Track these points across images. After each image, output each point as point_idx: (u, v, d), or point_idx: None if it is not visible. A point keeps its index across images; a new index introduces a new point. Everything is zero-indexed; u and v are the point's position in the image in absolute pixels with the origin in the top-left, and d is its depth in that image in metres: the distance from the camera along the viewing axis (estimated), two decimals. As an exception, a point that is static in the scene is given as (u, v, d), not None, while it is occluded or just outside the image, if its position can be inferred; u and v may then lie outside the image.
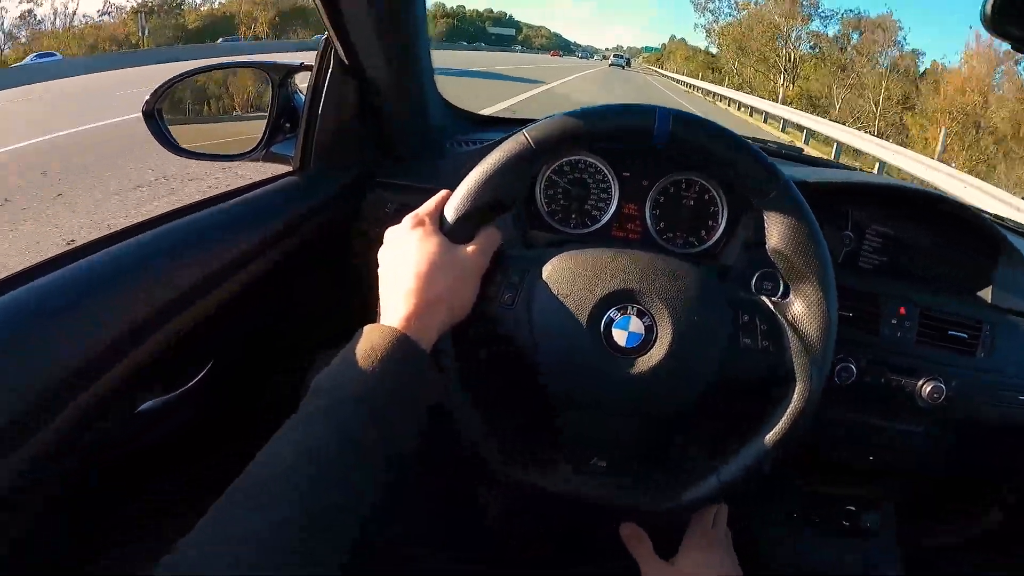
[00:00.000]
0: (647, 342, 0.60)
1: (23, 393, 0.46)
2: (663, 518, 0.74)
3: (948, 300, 0.91)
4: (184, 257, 0.65)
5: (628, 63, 38.29)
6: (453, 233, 0.60)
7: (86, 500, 0.67)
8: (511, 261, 0.64)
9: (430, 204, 0.63)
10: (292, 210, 0.79)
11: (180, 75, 0.92)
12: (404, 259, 0.57)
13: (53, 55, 24.35)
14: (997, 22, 0.66)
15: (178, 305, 0.62)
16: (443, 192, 0.63)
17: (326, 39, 0.81)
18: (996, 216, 1.23)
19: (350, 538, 0.45)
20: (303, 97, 0.90)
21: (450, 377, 0.61)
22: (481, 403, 0.63)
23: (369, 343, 0.51)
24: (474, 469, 0.64)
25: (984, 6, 0.66)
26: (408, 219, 0.61)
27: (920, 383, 0.88)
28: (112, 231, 0.64)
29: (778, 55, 33.08)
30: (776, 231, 0.63)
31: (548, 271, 0.62)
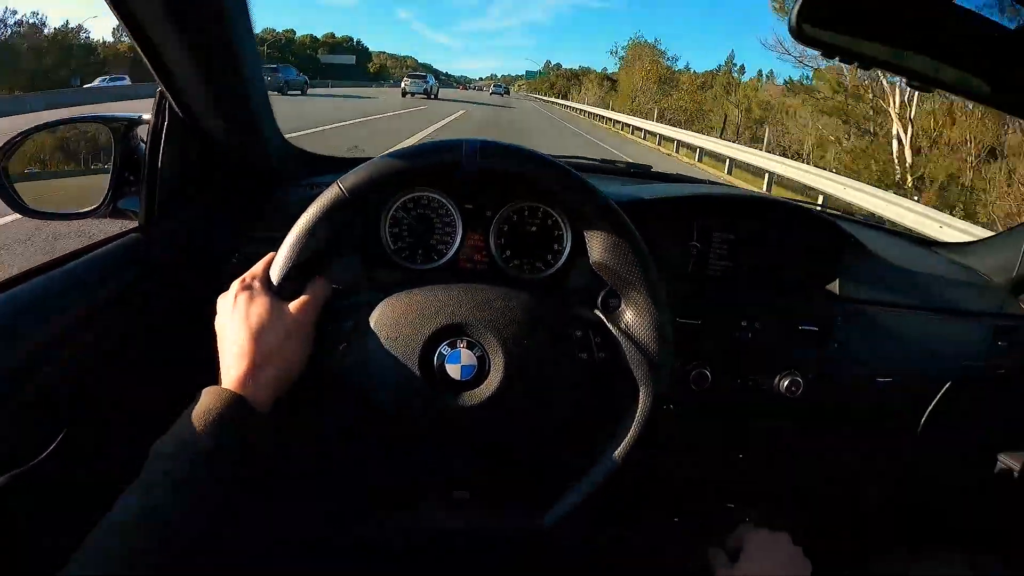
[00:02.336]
0: (481, 373, 0.61)
1: None
2: (533, 539, 0.76)
3: (797, 297, 0.95)
4: (24, 325, 0.64)
5: (507, 91, 37.09)
6: (281, 290, 0.61)
7: None
8: (343, 311, 0.64)
9: (258, 266, 0.64)
10: (136, 267, 0.77)
11: (22, 132, 0.90)
12: (233, 322, 0.59)
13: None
14: (804, 32, 0.70)
15: (20, 373, 0.61)
16: (270, 255, 0.64)
17: (160, 91, 0.80)
18: (845, 211, 1.28)
19: None
20: (146, 149, 0.90)
21: (294, 430, 0.61)
22: (333, 452, 0.64)
23: (204, 405, 0.53)
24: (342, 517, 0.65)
25: (790, 18, 0.70)
26: (235, 284, 0.62)
27: (777, 379, 0.92)
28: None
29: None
30: (597, 245, 0.65)
31: (376, 316, 0.62)
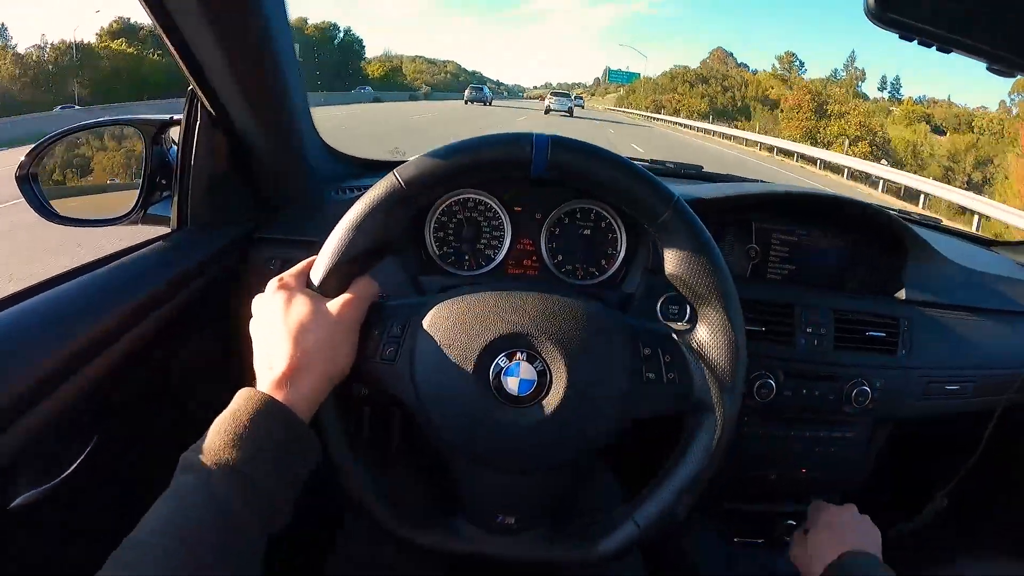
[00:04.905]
0: (541, 388, 0.56)
1: None
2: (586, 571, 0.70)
3: (861, 302, 0.89)
4: (52, 332, 0.60)
5: (571, 111, 29.78)
6: (324, 288, 0.56)
7: None
8: (392, 312, 0.59)
9: (297, 267, 0.59)
10: (168, 273, 0.74)
11: (52, 136, 0.88)
12: (271, 323, 0.54)
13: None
14: (884, 13, 0.65)
15: (49, 383, 0.58)
16: (310, 259, 0.59)
17: (191, 90, 0.77)
18: (901, 211, 1.23)
19: None
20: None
21: (333, 439, 0.57)
22: (371, 463, 0.59)
23: (234, 409, 0.48)
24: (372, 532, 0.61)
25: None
26: (272, 283, 0.57)
27: (844, 388, 0.86)
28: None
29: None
30: (672, 255, 0.58)
31: (430, 320, 0.57)
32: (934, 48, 0.73)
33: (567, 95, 34.00)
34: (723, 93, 50.99)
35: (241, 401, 0.49)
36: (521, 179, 0.72)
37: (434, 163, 0.57)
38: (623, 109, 54.75)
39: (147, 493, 0.45)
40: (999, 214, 9.18)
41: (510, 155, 0.58)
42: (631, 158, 1.01)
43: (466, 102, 35.63)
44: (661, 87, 56.96)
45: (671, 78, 57.04)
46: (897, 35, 0.72)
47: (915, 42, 0.72)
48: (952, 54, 0.74)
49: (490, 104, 36.47)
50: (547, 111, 29.14)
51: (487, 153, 0.59)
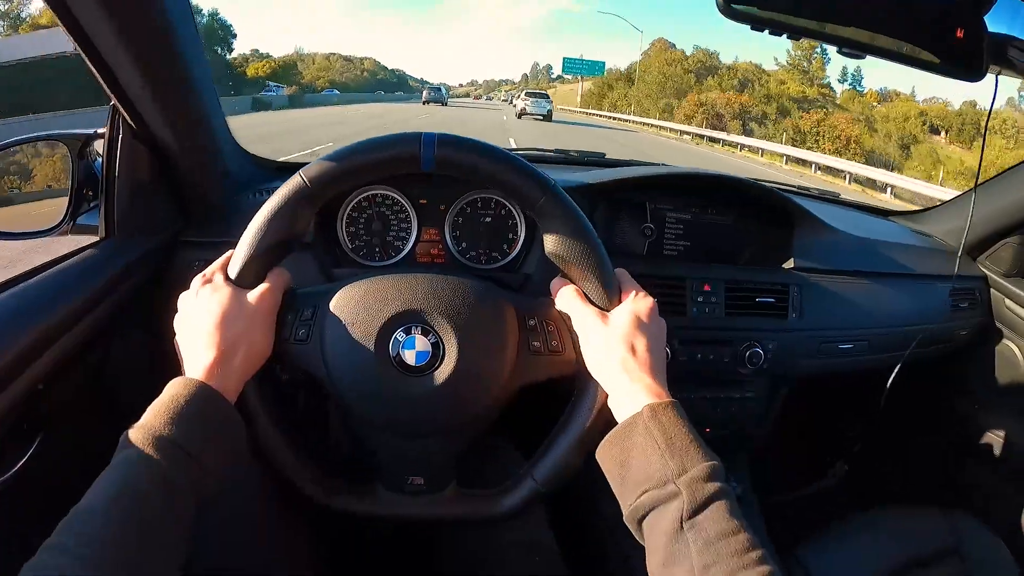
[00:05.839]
0: (435, 358, 0.62)
1: None
2: (489, 525, 0.76)
3: (752, 272, 0.97)
4: None
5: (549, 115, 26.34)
6: (241, 280, 0.62)
7: None
8: (303, 297, 0.65)
9: (217, 262, 0.64)
10: (98, 279, 0.78)
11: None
12: (196, 315, 0.60)
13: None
14: (732, 8, 0.72)
15: None
16: (229, 252, 0.65)
17: (112, 105, 0.82)
18: (800, 187, 1.31)
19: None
20: (104, 164, 0.91)
21: (258, 418, 0.62)
22: (293, 439, 0.65)
23: (172, 393, 0.54)
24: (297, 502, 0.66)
25: None
26: (196, 280, 0.63)
27: (739, 351, 0.94)
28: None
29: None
30: (550, 237, 0.64)
31: (335, 302, 0.63)
32: (785, 36, 0.82)
33: (544, 95, 30.35)
34: (741, 89, 40.47)
35: (178, 387, 0.55)
36: (423, 174, 0.79)
37: (334, 163, 0.63)
38: (603, 112, 42.64)
39: (88, 482, 0.50)
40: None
41: (401, 153, 0.63)
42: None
43: (424, 103, 39.42)
44: (673, 80, 42.97)
45: (668, 64, 45.49)
46: (748, 27, 0.81)
47: (766, 31, 0.80)
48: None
49: (446, 104, 39.64)
50: (520, 115, 27.08)
51: (380, 152, 0.64)
